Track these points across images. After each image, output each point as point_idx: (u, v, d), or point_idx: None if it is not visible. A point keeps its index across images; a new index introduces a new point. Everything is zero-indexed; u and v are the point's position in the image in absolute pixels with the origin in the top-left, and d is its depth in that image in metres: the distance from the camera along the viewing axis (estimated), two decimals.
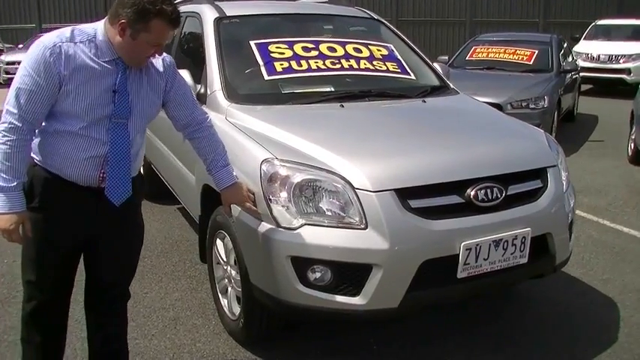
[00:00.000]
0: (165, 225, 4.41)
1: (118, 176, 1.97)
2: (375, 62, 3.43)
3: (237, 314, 2.74)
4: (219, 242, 2.88)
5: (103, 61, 1.90)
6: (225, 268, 2.85)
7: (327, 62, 3.28)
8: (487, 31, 15.48)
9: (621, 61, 11.89)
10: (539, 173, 2.64)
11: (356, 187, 2.24)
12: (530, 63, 7.68)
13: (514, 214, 2.44)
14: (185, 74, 2.67)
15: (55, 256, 2.06)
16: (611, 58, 11.96)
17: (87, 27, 1.96)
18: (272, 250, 2.27)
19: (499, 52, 8.02)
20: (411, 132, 2.78)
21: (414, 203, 2.26)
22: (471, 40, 8.88)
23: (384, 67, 3.44)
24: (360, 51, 3.45)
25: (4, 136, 1.86)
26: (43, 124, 1.93)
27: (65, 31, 1.91)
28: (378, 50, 3.54)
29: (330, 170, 2.29)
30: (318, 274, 2.25)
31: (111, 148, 1.94)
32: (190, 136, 2.25)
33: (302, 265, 2.24)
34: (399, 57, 3.59)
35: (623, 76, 11.83)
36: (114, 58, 1.92)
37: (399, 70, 3.48)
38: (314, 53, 3.31)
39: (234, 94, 3.02)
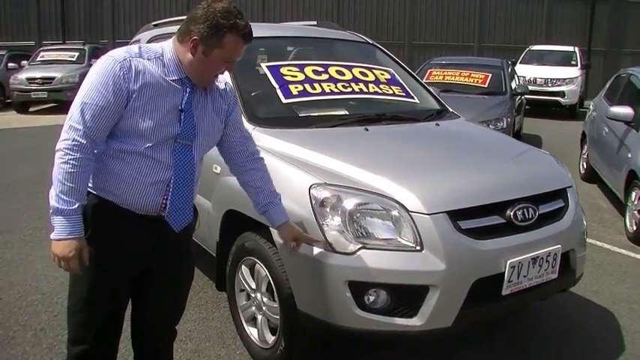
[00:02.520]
0: None
1: (181, 201, 1.90)
2: (381, 86, 3.50)
3: (270, 342, 2.68)
4: (244, 269, 2.81)
5: (171, 80, 1.85)
6: (253, 295, 2.79)
7: (339, 86, 3.31)
8: (425, 54, 16.17)
9: (556, 84, 12.76)
10: (561, 193, 2.78)
11: (410, 210, 2.26)
12: (486, 86, 8.06)
13: (546, 232, 2.56)
14: None
15: (108, 292, 1.94)
16: (546, 82, 12.81)
17: (154, 45, 1.91)
18: (328, 275, 2.24)
19: (454, 75, 8.36)
20: (445, 155, 2.85)
21: (463, 224, 2.32)
22: (425, 64, 9.21)
23: (391, 91, 3.51)
24: (366, 75, 3.51)
25: (67, 154, 1.74)
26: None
27: (133, 48, 1.85)
28: (382, 74, 3.61)
29: (382, 194, 2.31)
30: (374, 297, 2.24)
31: (175, 172, 1.86)
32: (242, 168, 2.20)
33: (359, 289, 2.23)
34: (401, 81, 3.68)
35: (558, 98, 12.74)
36: (181, 77, 1.86)
37: (403, 94, 3.56)
38: (325, 77, 3.33)
39: (254, 118, 2.96)
